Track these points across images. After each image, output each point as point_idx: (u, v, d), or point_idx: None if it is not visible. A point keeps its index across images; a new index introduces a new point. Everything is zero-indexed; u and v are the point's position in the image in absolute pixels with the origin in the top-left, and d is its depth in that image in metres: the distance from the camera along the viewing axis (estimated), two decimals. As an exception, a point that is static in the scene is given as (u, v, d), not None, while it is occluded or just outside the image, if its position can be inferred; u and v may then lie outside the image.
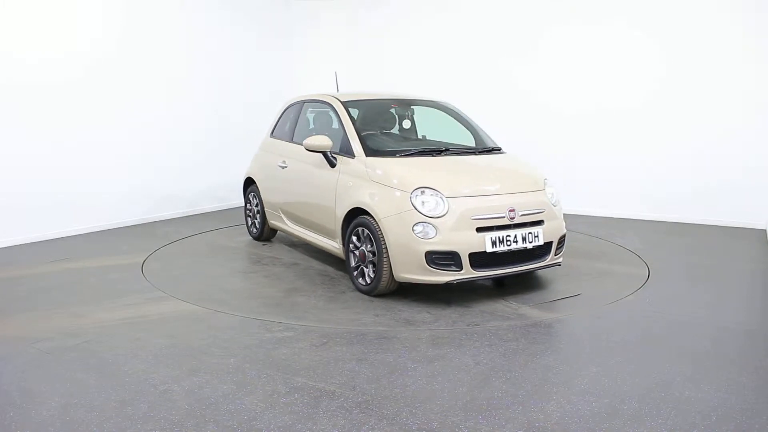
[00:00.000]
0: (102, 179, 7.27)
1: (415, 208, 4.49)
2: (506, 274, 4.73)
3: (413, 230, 4.46)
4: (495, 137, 6.04)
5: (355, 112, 5.67)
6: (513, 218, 4.60)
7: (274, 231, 6.72)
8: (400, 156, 5.08)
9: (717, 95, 7.52)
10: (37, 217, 6.63)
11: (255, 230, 6.85)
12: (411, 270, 4.54)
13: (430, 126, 6.26)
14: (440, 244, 4.43)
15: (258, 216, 6.74)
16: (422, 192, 4.54)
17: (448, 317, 4.37)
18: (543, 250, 4.83)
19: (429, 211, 4.47)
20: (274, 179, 6.33)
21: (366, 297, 4.84)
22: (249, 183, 6.90)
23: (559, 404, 3.06)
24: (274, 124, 6.80)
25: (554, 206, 4.97)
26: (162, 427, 2.83)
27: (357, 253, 4.90)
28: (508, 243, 4.57)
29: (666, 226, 7.68)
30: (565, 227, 5.11)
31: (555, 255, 4.95)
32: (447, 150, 5.32)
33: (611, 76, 8.14)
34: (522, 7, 8.61)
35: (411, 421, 2.89)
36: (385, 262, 4.62)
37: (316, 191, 5.52)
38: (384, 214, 4.62)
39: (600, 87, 8.23)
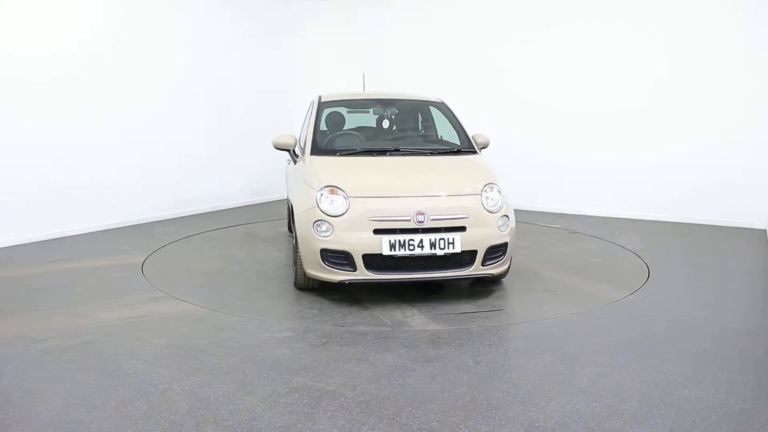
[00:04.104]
0: (102, 179, 7.27)
1: (318, 206, 4.50)
2: (411, 281, 4.56)
3: (314, 227, 4.49)
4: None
5: (343, 111, 5.87)
6: (421, 222, 4.38)
7: None
8: (340, 155, 5.15)
9: (717, 95, 7.52)
10: (37, 217, 6.62)
11: (287, 223, 7.20)
12: (313, 267, 4.58)
13: (416, 125, 6.22)
14: (333, 242, 4.42)
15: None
16: (331, 191, 4.54)
17: (328, 316, 4.39)
18: (467, 259, 4.53)
19: (331, 209, 4.47)
20: (286, 176, 6.74)
21: (291, 290, 5.00)
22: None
23: (559, 404, 3.06)
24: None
25: (490, 213, 4.60)
26: (162, 427, 2.83)
27: None
28: (411, 247, 4.37)
29: (666, 226, 7.67)
30: (505, 236, 4.66)
31: (484, 265, 4.57)
32: (397, 150, 5.25)
33: (611, 77, 8.13)
34: (524, 7, 8.61)
35: (411, 421, 2.89)
36: (299, 258, 4.73)
37: (289, 188, 5.78)
38: (297, 210, 4.76)
39: (600, 88, 8.22)
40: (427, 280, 4.63)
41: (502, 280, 5.20)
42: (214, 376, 3.37)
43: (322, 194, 4.54)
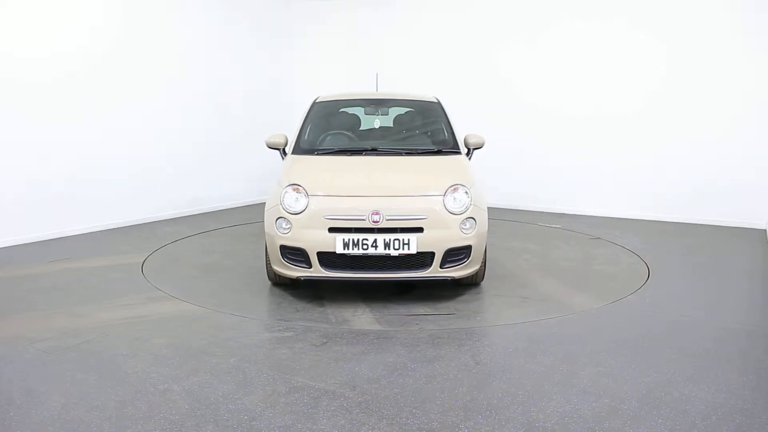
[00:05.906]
0: (102, 179, 7.26)
1: (281, 204, 4.57)
2: (369, 280, 4.58)
3: (275, 224, 4.57)
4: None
5: (344, 111, 5.92)
6: (377, 222, 4.37)
7: None
8: (318, 154, 5.24)
9: (717, 95, 7.52)
10: (37, 217, 6.62)
11: None
12: (275, 262, 4.71)
13: (409, 125, 6.18)
14: (291, 239, 4.51)
15: None
16: (295, 189, 4.59)
17: (283, 309, 4.53)
18: (427, 260, 4.47)
19: (292, 207, 4.53)
20: None
21: (266, 284, 5.11)
22: None
23: (559, 404, 3.06)
24: None
25: (452, 215, 4.48)
26: (162, 427, 2.83)
27: None
28: (365, 247, 4.38)
29: (666, 226, 7.68)
30: (468, 239, 4.51)
31: (443, 267, 4.48)
32: (374, 150, 5.26)
33: (611, 77, 8.14)
34: (524, 7, 8.61)
35: (411, 421, 2.89)
36: (266, 255, 4.86)
37: None
38: (266, 207, 4.85)
39: (600, 88, 8.23)
40: (383, 281, 4.66)
41: (482, 283, 5.11)
42: (214, 376, 3.37)
43: (286, 192, 4.60)
